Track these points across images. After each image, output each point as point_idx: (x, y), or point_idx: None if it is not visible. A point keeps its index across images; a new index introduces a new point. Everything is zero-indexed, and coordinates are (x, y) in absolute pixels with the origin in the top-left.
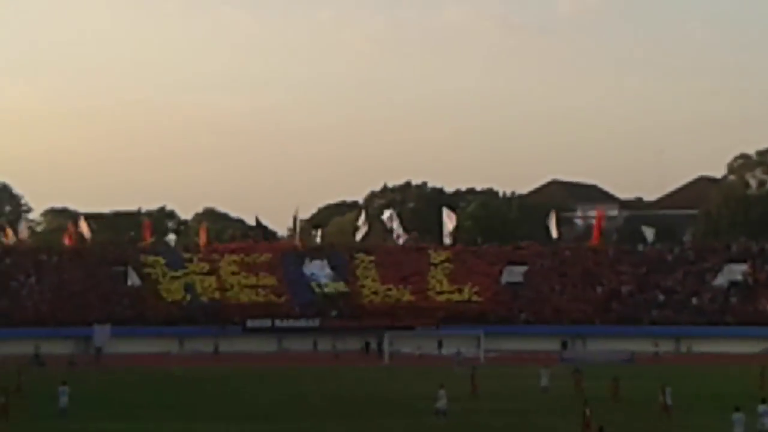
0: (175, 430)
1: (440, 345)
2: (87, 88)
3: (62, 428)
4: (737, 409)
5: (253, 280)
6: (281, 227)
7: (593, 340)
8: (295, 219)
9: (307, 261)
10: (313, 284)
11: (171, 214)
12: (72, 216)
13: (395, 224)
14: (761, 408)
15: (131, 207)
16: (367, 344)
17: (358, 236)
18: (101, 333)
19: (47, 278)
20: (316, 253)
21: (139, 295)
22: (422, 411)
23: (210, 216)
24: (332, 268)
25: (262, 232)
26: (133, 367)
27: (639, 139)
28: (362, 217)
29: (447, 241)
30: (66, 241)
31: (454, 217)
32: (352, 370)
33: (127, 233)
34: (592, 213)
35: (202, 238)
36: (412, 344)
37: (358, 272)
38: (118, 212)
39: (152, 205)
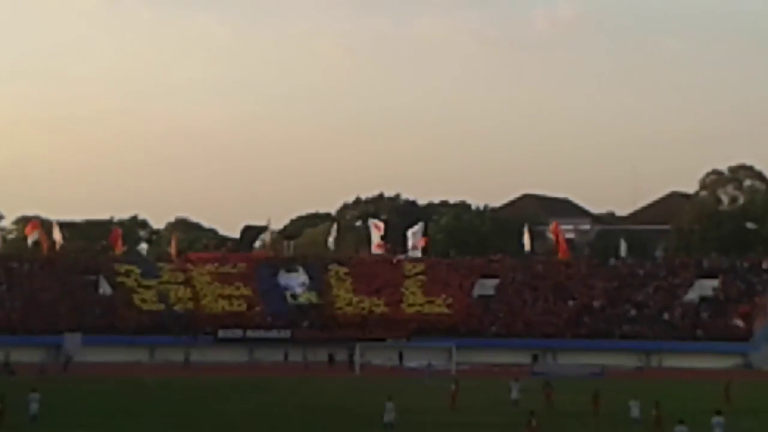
0: None
1: (401, 357)
2: (60, 95)
3: None
4: (718, 413)
5: (227, 290)
6: (253, 238)
7: (564, 353)
8: (268, 229)
9: (282, 271)
10: (287, 294)
11: (143, 224)
12: (44, 223)
13: (376, 235)
14: (714, 420)
15: (103, 215)
16: (330, 356)
17: (330, 243)
18: (72, 341)
19: (18, 286)
20: (290, 263)
21: (110, 304)
22: (387, 423)
23: (182, 225)
24: (308, 278)
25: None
26: (104, 376)
27: (612, 154)
28: (334, 230)
29: (415, 254)
30: (42, 246)
31: (420, 237)
32: (322, 381)
33: (99, 242)
34: (566, 227)
35: (173, 248)
36: (383, 356)
37: (332, 283)
38: (90, 221)
39: (124, 214)
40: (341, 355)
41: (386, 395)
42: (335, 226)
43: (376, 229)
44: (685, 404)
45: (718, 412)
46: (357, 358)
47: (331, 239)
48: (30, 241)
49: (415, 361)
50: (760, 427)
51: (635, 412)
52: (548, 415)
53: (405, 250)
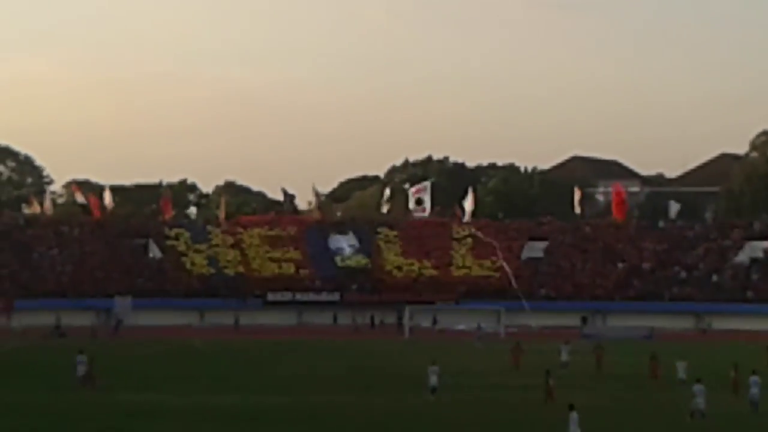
0: (192, 402)
1: (434, 321)
2: (108, 60)
3: (79, 398)
4: (754, 372)
5: (276, 254)
6: (302, 201)
7: (613, 316)
8: (314, 192)
9: (331, 235)
10: (337, 258)
11: (192, 187)
12: (94, 188)
13: (426, 197)
14: (696, 387)
15: (152, 180)
16: (372, 318)
17: (384, 209)
18: (122, 305)
19: (68, 250)
20: (340, 226)
21: (160, 268)
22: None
23: (231, 189)
24: (357, 241)
25: (290, 202)
26: (154, 339)
27: (661, 115)
28: (387, 193)
29: (467, 219)
30: (92, 210)
31: (472, 199)
32: (371, 344)
33: (148, 206)
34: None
35: (222, 212)
36: (431, 319)
37: (381, 246)
38: (139, 185)
39: (173, 178)
40: (388, 318)
41: (438, 359)
42: (388, 189)
43: (416, 193)
44: (729, 366)
45: (754, 372)
46: (406, 321)
47: (384, 202)
48: (79, 201)
49: (463, 323)
50: None
51: (681, 373)
52: (598, 378)
53: (456, 214)
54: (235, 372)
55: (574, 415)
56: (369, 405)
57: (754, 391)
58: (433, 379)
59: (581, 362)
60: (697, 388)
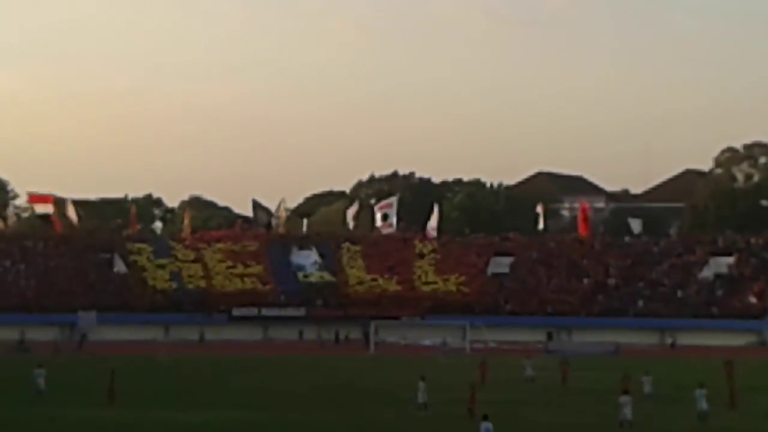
0: (155, 417)
1: (366, 337)
2: (74, 74)
3: (36, 413)
4: (701, 386)
5: (239, 269)
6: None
7: (578, 331)
8: (279, 207)
9: (294, 250)
10: (300, 273)
11: (157, 202)
12: (58, 202)
13: (393, 213)
14: (622, 398)
15: (118, 194)
16: (337, 334)
17: (350, 225)
18: (86, 319)
19: (32, 265)
20: (303, 242)
21: (124, 283)
22: (406, 401)
23: (196, 204)
24: (320, 257)
25: (266, 215)
26: (118, 354)
27: (626, 132)
28: (354, 208)
29: (433, 234)
30: (56, 224)
31: (437, 214)
32: (337, 359)
33: (113, 220)
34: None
35: (186, 226)
36: (396, 334)
37: (345, 262)
38: (104, 199)
39: (139, 193)
40: (353, 333)
41: (405, 373)
42: (356, 204)
43: (381, 209)
44: (691, 380)
45: (701, 385)
46: (372, 336)
47: (350, 218)
48: (38, 212)
49: (429, 339)
50: None
51: (647, 387)
52: (563, 393)
53: (420, 229)
54: (200, 387)
55: (488, 426)
56: (335, 420)
57: (701, 404)
58: (423, 395)
59: (547, 378)
60: (624, 399)
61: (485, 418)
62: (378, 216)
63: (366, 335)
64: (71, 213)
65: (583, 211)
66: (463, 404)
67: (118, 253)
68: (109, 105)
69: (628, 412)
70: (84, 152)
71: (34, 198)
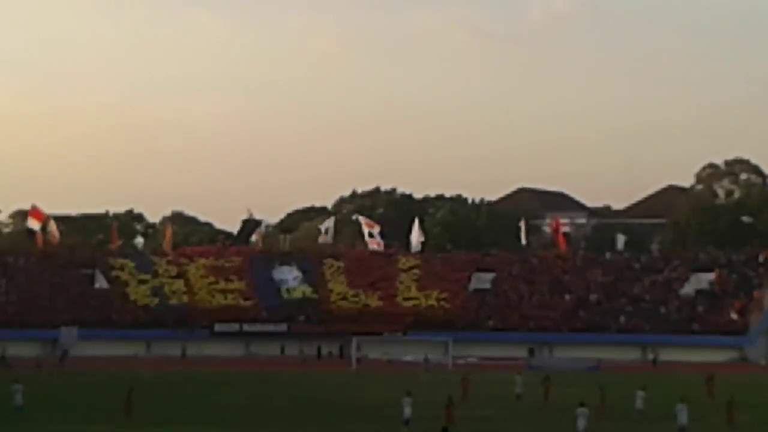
0: None
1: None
2: (55, 89)
3: (15, 429)
4: (682, 401)
5: (221, 285)
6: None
7: (560, 347)
8: (250, 220)
9: (276, 266)
10: (282, 289)
11: (139, 217)
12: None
13: (375, 230)
14: (579, 410)
15: (99, 209)
16: (319, 350)
17: (322, 239)
18: (68, 335)
19: (14, 280)
20: (285, 257)
21: (106, 298)
22: (388, 417)
23: (178, 219)
24: (302, 272)
25: (256, 225)
26: (100, 370)
27: (608, 148)
28: (328, 224)
29: (416, 249)
30: (37, 241)
31: (419, 231)
32: (319, 375)
33: (95, 236)
34: (562, 221)
35: (168, 241)
36: (379, 350)
37: (327, 277)
38: (86, 215)
39: (120, 208)
40: (335, 349)
41: (389, 390)
42: (332, 219)
43: (367, 227)
44: (675, 396)
45: (682, 400)
46: (353, 352)
47: (325, 232)
48: (29, 226)
49: (411, 354)
50: (755, 422)
51: (639, 403)
52: (545, 409)
53: (402, 244)
54: (182, 403)
55: None
56: None
57: (682, 418)
58: (407, 411)
59: (529, 394)
60: (581, 411)
61: (444, 430)
62: (365, 232)
63: (341, 350)
64: (53, 229)
65: (557, 225)
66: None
67: (99, 269)
68: (90, 120)
69: (582, 423)
70: (65, 167)
71: (35, 213)
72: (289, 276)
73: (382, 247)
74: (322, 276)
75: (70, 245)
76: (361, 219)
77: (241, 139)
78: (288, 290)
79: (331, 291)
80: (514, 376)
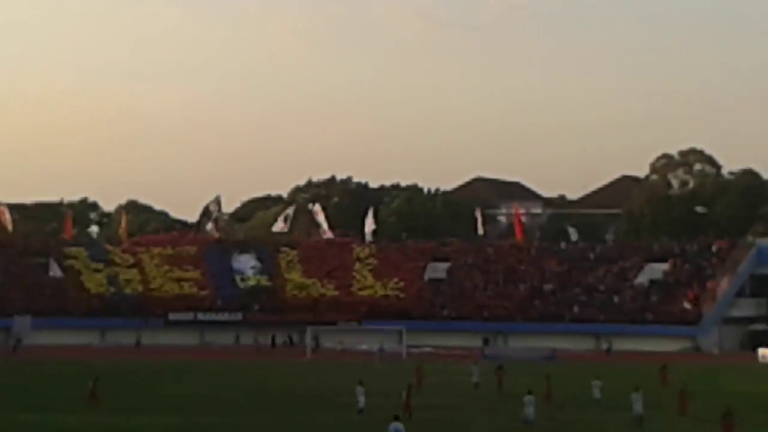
0: (91, 422)
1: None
2: (9, 77)
3: None
4: (636, 390)
5: (177, 273)
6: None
7: (515, 336)
8: (207, 208)
9: (232, 254)
10: (237, 278)
11: (93, 206)
12: None
13: (321, 218)
14: (526, 398)
15: (53, 198)
16: (273, 338)
17: (276, 228)
18: (21, 324)
19: None
20: (241, 246)
21: (60, 287)
22: (342, 406)
23: (133, 208)
24: (259, 261)
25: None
26: (54, 358)
27: (563, 138)
28: (288, 212)
29: (369, 238)
30: None
31: (371, 220)
32: (273, 364)
33: (49, 224)
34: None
35: (123, 230)
36: (334, 339)
37: (283, 266)
38: (39, 203)
39: (75, 196)
40: (289, 339)
41: (343, 379)
42: (292, 209)
43: (319, 214)
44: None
45: (636, 389)
46: (308, 341)
47: (285, 220)
48: None
49: (366, 343)
50: (707, 410)
51: (596, 392)
52: (499, 398)
53: (358, 233)
54: (136, 392)
55: (397, 426)
56: (271, 425)
57: (637, 407)
58: (361, 400)
59: (483, 383)
60: (527, 398)
61: (396, 418)
62: (320, 220)
63: (290, 339)
64: (6, 218)
65: (518, 215)
66: (399, 409)
67: (53, 258)
68: (44, 107)
69: (530, 411)
70: (19, 155)
71: None
72: (245, 265)
73: (331, 235)
74: (278, 265)
75: (24, 234)
76: (315, 207)
77: (197, 127)
78: (243, 279)
79: (288, 280)
80: (470, 365)
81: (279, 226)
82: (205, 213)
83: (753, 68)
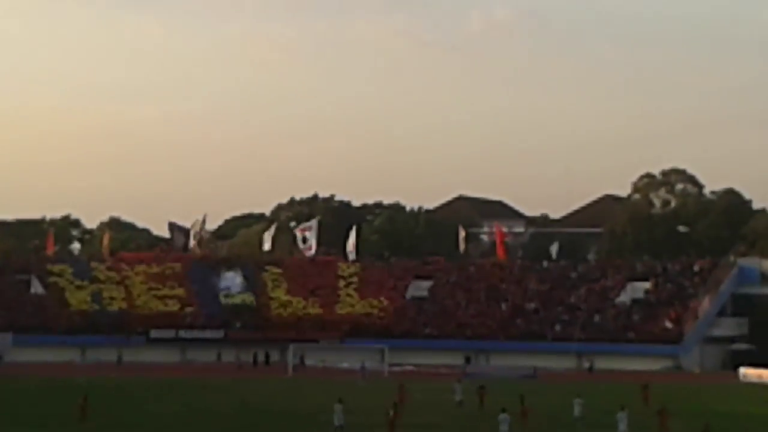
0: None
1: (302, 360)
2: None
3: None
4: (622, 408)
5: (161, 291)
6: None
7: (497, 355)
8: (194, 228)
9: (222, 272)
10: (221, 294)
11: (76, 223)
12: None
13: (311, 236)
14: (501, 417)
15: (35, 215)
16: (255, 356)
17: (266, 247)
18: (2, 341)
19: None
20: (225, 264)
21: (42, 304)
22: (322, 424)
23: (115, 225)
24: (244, 279)
25: (184, 236)
26: (34, 375)
27: (546, 157)
28: (271, 230)
29: (351, 257)
30: None
31: (353, 240)
32: (254, 382)
33: (31, 241)
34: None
35: (105, 248)
36: (316, 357)
37: (268, 284)
38: (21, 220)
39: (57, 213)
40: (273, 356)
41: (324, 396)
42: (273, 227)
43: (300, 232)
44: (612, 404)
45: (622, 408)
46: (290, 358)
47: (267, 240)
48: None
49: (347, 362)
50: (687, 429)
51: (577, 410)
52: (481, 417)
53: (340, 252)
54: (116, 409)
55: None
56: None
57: (622, 427)
58: (340, 417)
59: (466, 401)
60: (502, 417)
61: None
62: (299, 238)
63: (267, 357)
64: None
65: (499, 234)
66: (380, 427)
67: (35, 275)
68: (26, 124)
69: (505, 429)
70: (0, 172)
71: None
72: (230, 282)
73: (313, 252)
74: (263, 284)
75: (6, 250)
76: (309, 224)
77: (179, 145)
78: (227, 296)
79: (272, 298)
80: (453, 383)
81: (267, 246)
82: (184, 231)
83: (735, 88)
